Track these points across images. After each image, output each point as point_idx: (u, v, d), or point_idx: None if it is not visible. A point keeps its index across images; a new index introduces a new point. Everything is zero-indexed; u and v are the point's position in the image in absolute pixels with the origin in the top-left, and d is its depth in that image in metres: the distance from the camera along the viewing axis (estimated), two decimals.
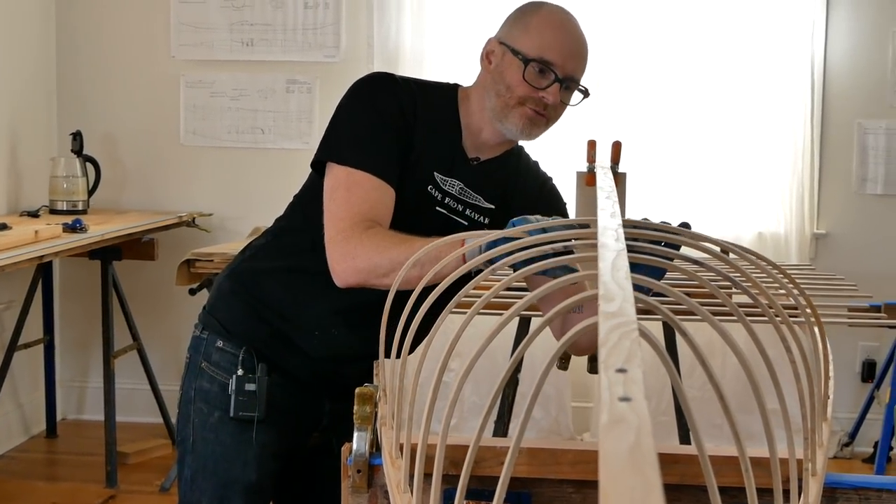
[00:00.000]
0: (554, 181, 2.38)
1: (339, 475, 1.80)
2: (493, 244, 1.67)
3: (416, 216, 2.15)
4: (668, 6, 5.13)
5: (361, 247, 2.03)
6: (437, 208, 2.21)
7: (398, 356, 1.59)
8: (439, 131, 2.22)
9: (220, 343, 2.34)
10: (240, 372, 2.30)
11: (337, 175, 2.14)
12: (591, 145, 2.00)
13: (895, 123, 5.16)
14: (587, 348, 2.31)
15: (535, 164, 2.38)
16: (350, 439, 1.78)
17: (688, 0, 5.13)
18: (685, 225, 1.61)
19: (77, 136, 5.10)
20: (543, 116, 2.17)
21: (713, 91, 5.13)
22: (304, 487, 2.48)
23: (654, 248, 1.33)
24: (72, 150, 5.08)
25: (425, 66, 5.15)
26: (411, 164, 2.18)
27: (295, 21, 5.30)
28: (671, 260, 1.48)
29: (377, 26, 5.20)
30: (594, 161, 1.99)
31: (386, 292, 1.72)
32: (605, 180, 1.70)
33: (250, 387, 2.29)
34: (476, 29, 5.04)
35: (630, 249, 1.19)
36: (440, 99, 2.25)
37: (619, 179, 1.96)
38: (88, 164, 5.10)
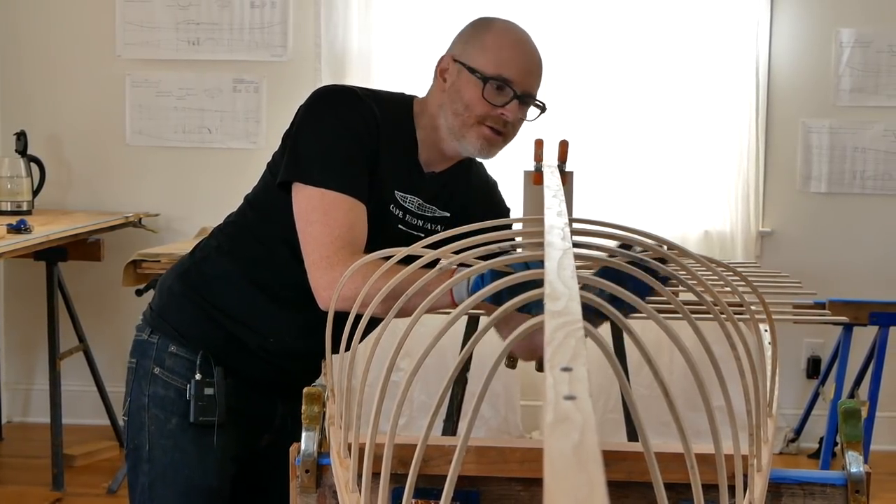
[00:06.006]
0: (497, 185, 2.41)
1: (289, 476, 1.79)
2: (477, 281, 1.71)
3: (377, 235, 2.10)
4: (614, 5, 5.15)
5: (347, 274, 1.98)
6: (399, 226, 2.20)
7: (347, 349, 1.59)
8: (398, 147, 2.19)
9: (173, 348, 2.30)
10: (198, 376, 2.26)
11: (310, 196, 2.09)
12: (539, 144, 2.01)
13: (839, 122, 5.21)
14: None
15: (482, 166, 2.39)
16: (299, 439, 1.77)
17: (634, 0, 5.15)
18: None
19: (21, 136, 5.04)
20: (501, 135, 2.17)
21: (659, 90, 5.15)
22: (254, 489, 2.45)
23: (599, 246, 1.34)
24: (16, 151, 5.02)
25: (373, 65, 5.13)
26: (374, 183, 2.15)
27: (241, 20, 5.27)
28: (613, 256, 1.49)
29: (324, 26, 5.18)
30: (541, 160, 2.00)
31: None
32: (552, 179, 1.71)
33: (209, 391, 2.25)
34: (423, 29, 5.04)
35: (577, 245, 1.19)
36: (397, 113, 2.22)
37: (567, 178, 1.97)
38: (33, 165, 5.04)
